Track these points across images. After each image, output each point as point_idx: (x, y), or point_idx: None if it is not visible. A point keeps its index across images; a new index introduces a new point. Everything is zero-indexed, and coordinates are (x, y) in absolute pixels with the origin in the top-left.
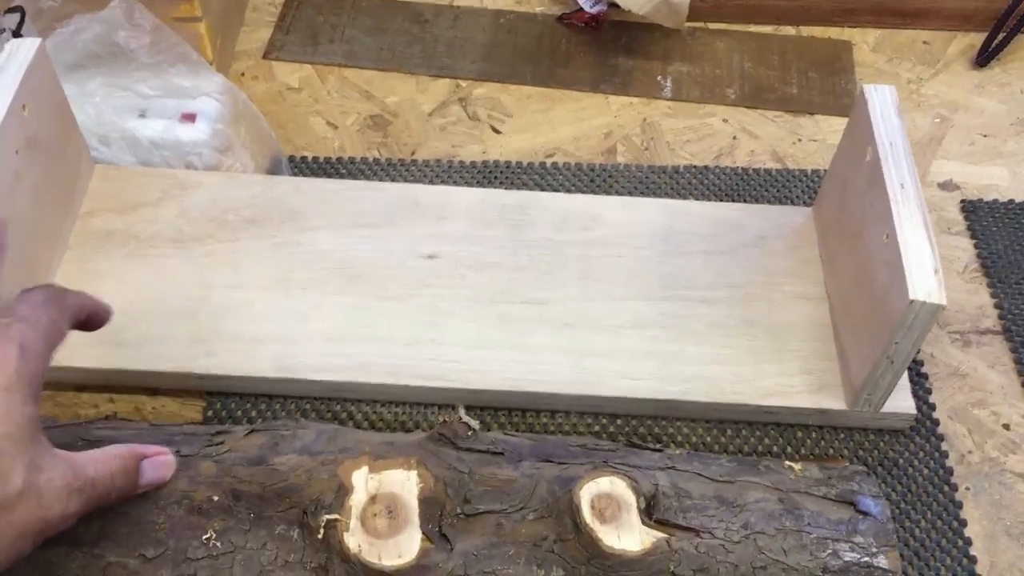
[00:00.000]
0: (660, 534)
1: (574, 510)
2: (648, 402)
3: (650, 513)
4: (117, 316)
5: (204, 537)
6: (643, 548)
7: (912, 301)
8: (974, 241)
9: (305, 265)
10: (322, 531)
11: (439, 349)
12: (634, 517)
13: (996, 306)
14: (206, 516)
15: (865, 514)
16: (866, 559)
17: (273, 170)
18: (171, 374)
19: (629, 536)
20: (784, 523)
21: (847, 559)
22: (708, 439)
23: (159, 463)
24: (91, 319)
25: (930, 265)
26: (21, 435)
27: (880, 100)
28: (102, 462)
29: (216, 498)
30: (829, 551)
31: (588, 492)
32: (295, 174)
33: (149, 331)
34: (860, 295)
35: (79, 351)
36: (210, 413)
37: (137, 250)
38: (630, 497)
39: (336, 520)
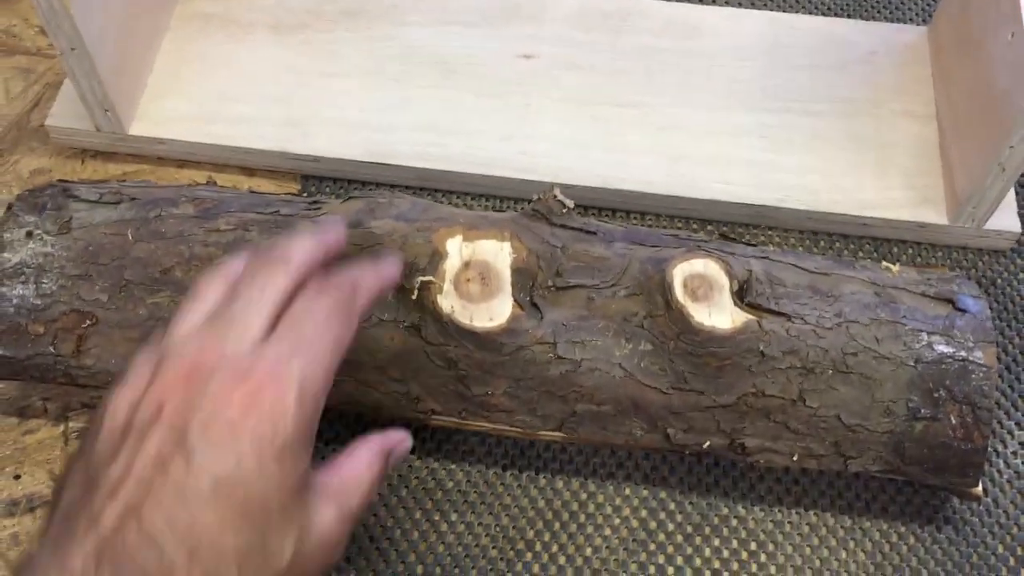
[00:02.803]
0: (751, 316)
1: (666, 288)
2: (742, 207)
3: (742, 296)
4: (216, 97)
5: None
6: (733, 326)
7: None
8: None
9: (400, 59)
10: (416, 292)
11: (532, 145)
12: (726, 298)
13: None
14: None
15: (964, 311)
16: (962, 353)
17: None
18: (268, 152)
19: (720, 315)
20: (879, 314)
21: (941, 351)
22: (801, 249)
23: (400, 453)
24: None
25: None
26: (294, 503)
27: None
28: (361, 482)
29: None
30: (924, 343)
31: (681, 272)
32: None
33: (246, 111)
34: (975, 105)
35: (179, 125)
36: (304, 195)
37: (235, 35)
38: (723, 279)
39: (430, 282)
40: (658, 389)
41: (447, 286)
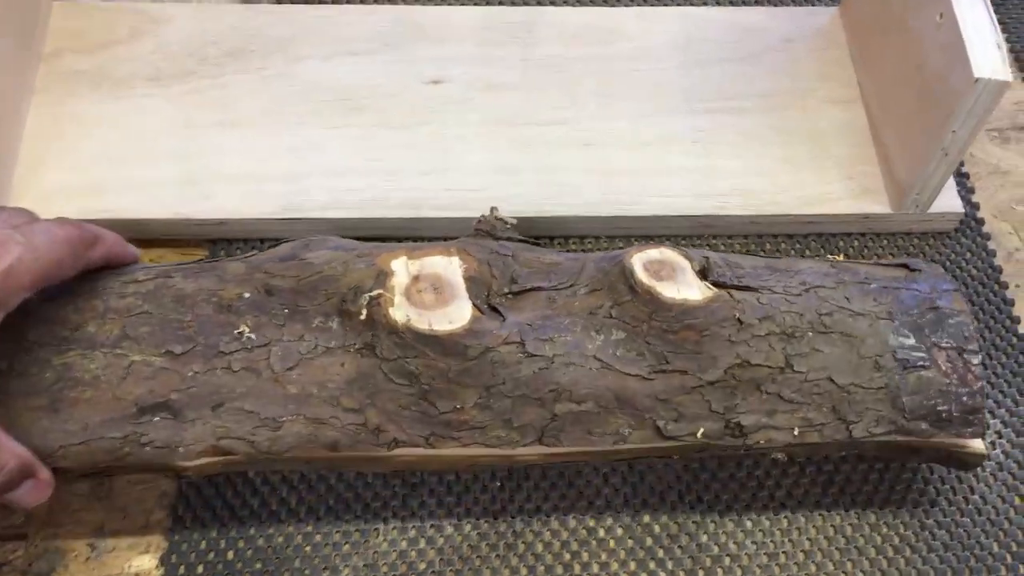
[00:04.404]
0: (720, 290)
1: (627, 274)
2: (683, 219)
3: (704, 277)
4: (99, 163)
5: (236, 331)
6: (705, 297)
7: (977, 80)
8: (1006, 35)
9: (300, 98)
10: (365, 311)
11: (456, 178)
12: (690, 276)
13: None
14: (237, 314)
15: (918, 271)
16: (933, 299)
17: None
18: (166, 221)
19: (688, 289)
20: (842, 278)
21: (911, 301)
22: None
23: (40, 484)
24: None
25: (992, 40)
26: None
27: None
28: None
29: (247, 295)
30: (891, 297)
31: (639, 259)
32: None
33: (136, 176)
34: (906, 89)
35: (61, 201)
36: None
37: (112, 91)
38: (683, 261)
39: (380, 295)
40: (640, 376)
41: (399, 298)
